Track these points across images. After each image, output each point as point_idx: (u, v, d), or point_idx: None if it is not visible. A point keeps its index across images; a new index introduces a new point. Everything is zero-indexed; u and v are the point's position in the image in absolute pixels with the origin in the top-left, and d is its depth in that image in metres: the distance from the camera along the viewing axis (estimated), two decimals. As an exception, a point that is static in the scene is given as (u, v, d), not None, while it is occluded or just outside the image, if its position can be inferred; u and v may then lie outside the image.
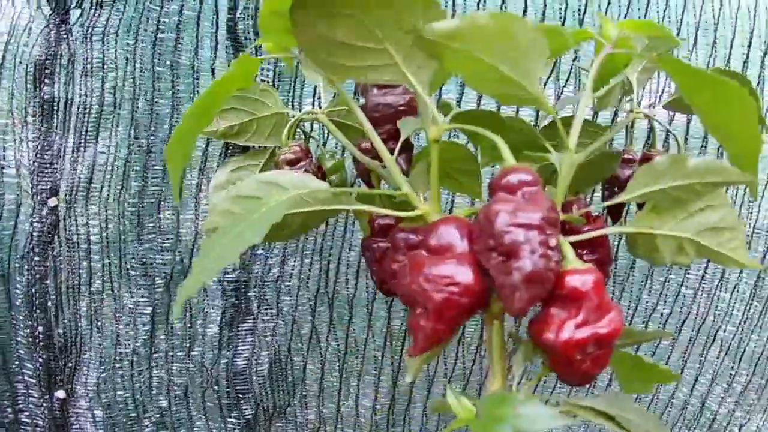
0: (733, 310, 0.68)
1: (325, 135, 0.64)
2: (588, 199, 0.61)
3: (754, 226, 0.65)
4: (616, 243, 0.66)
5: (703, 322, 0.69)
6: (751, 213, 0.65)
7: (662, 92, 0.59)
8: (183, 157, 0.41)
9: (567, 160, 0.37)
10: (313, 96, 0.64)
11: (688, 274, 0.67)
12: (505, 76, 0.34)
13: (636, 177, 0.36)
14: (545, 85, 0.62)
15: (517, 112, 0.62)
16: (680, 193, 0.36)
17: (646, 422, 0.37)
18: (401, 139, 0.44)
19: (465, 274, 0.34)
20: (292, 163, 0.51)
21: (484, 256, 0.33)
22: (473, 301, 0.34)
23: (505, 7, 0.62)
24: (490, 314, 0.37)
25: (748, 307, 0.67)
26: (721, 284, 0.68)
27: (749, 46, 0.62)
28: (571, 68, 0.60)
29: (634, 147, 0.53)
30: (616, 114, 0.59)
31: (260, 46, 0.62)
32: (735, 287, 0.68)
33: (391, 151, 0.41)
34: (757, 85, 0.62)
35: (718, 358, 0.70)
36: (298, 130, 0.58)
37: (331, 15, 0.33)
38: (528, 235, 0.32)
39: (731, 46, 0.62)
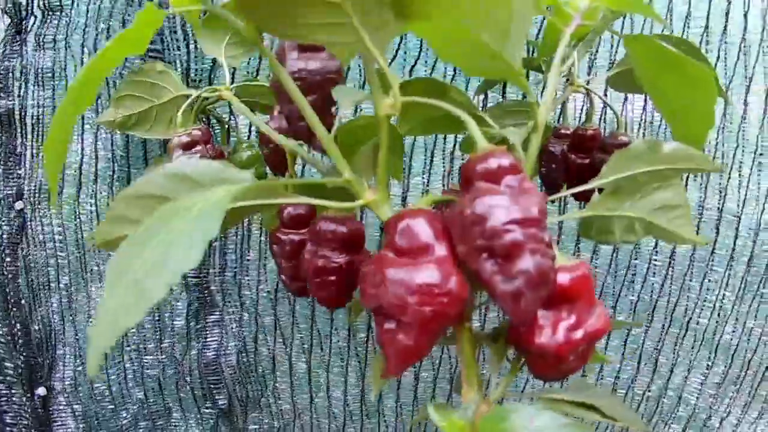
0: (704, 301, 0.68)
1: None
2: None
3: (721, 209, 0.65)
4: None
5: (673, 310, 0.68)
6: (721, 198, 0.65)
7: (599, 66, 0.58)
8: (63, 139, 0.30)
9: (535, 140, 0.33)
10: (210, 73, 0.60)
11: (655, 261, 0.67)
12: (483, 45, 0.29)
13: (610, 163, 0.34)
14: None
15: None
16: (647, 178, 0.34)
17: (617, 407, 0.35)
18: (337, 112, 0.37)
19: (452, 282, 0.28)
20: (186, 147, 0.42)
21: (471, 259, 0.28)
22: (460, 310, 0.29)
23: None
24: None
25: (721, 297, 0.68)
26: (690, 272, 0.67)
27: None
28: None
29: (568, 121, 0.50)
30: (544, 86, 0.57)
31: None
32: (705, 275, 0.67)
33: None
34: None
35: (693, 348, 0.70)
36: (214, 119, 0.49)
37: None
38: (528, 232, 0.27)
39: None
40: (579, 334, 0.30)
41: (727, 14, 0.59)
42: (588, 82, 0.50)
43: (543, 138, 0.48)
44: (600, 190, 0.36)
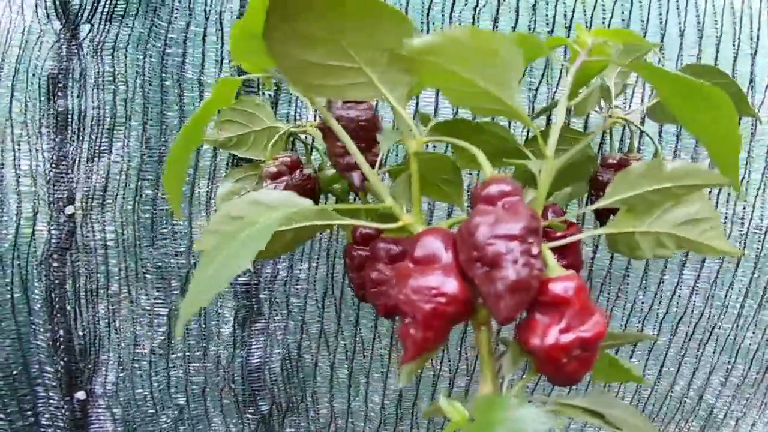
0: (728, 308, 0.68)
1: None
2: (577, 204, 0.61)
3: (749, 224, 0.64)
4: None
5: (699, 320, 0.69)
6: (746, 211, 0.64)
7: (641, 96, 0.59)
8: (178, 181, 0.41)
9: (546, 168, 0.37)
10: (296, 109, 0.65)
11: (684, 275, 0.67)
12: (482, 90, 0.34)
13: (613, 184, 0.36)
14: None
15: (493, 117, 0.62)
16: (657, 197, 0.36)
17: (631, 417, 0.37)
18: (381, 153, 0.44)
19: (451, 285, 0.34)
20: (274, 177, 0.51)
21: (468, 267, 0.33)
22: (459, 309, 0.34)
23: (478, 17, 0.61)
24: (477, 321, 0.37)
25: (743, 304, 0.67)
26: (717, 282, 0.67)
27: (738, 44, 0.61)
28: (543, 73, 0.60)
29: (615, 150, 0.52)
30: (588, 116, 0.59)
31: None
32: (731, 285, 0.67)
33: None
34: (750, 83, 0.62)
35: (714, 353, 0.70)
36: (300, 142, 0.58)
37: (305, 38, 0.33)
38: (509, 245, 0.32)
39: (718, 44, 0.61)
40: (569, 337, 0.33)
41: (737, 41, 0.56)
42: (642, 115, 0.52)
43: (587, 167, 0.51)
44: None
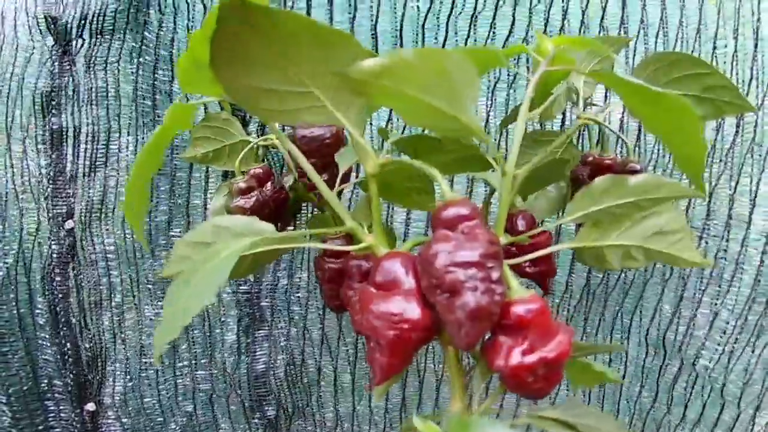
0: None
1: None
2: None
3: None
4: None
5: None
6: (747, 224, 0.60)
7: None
8: (141, 206, 0.40)
9: (507, 183, 0.36)
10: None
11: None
12: (436, 109, 0.33)
13: (575, 200, 0.36)
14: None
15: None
16: (623, 210, 0.35)
17: (605, 424, 0.36)
18: (340, 173, 0.43)
19: (413, 311, 0.33)
20: (244, 193, 0.50)
21: (429, 293, 0.33)
22: (423, 335, 0.34)
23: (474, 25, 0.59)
24: (444, 340, 0.36)
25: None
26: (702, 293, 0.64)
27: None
28: (512, 77, 0.58)
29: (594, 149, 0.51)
30: (564, 116, 0.58)
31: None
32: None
33: (328, 185, 0.39)
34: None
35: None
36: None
37: (253, 65, 0.32)
38: (468, 273, 0.31)
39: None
40: (533, 358, 0.32)
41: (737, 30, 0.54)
42: (609, 113, 0.50)
43: (559, 169, 0.50)
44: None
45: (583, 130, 0.56)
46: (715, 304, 0.61)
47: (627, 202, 0.35)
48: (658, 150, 0.59)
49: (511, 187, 0.36)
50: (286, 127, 0.57)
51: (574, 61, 0.38)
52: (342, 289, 0.45)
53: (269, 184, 0.52)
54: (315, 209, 0.62)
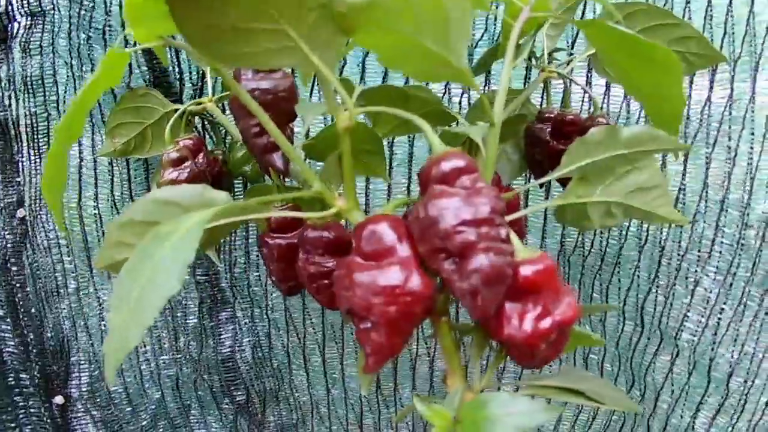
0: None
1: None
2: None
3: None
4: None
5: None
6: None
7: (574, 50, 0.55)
8: (59, 182, 0.32)
9: (493, 136, 0.33)
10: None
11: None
12: (428, 51, 0.29)
13: (570, 152, 0.33)
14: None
15: (407, 81, 0.56)
16: (613, 163, 0.33)
17: (606, 390, 0.35)
18: (303, 126, 0.38)
19: (414, 281, 0.29)
20: (175, 164, 0.43)
21: (431, 259, 0.29)
22: (426, 307, 0.29)
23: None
24: (435, 312, 0.33)
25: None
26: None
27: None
28: (485, 31, 0.55)
29: (551, 105, 0.49)
30: (529, 72, 0.55)
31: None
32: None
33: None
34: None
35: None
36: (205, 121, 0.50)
37: (217, -4, 0.25)
38: (479, 231, 0.27)
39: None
40: (547, 323, 0.29)
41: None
42: (572, 69, 0.49)
43: (519, 125, 0.48)
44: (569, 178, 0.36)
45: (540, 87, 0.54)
46: (696, 272, 0.60)
47: (618, 154, 0.33)
48: (627, 109, 0.57)
49: (497, 140, 0.33)
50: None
51: (551, 8, 0.35)
52: (297, 266, 0.40)
53: (201, 155, 0.45)
54: (248, 183, 0.55)
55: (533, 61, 0.46)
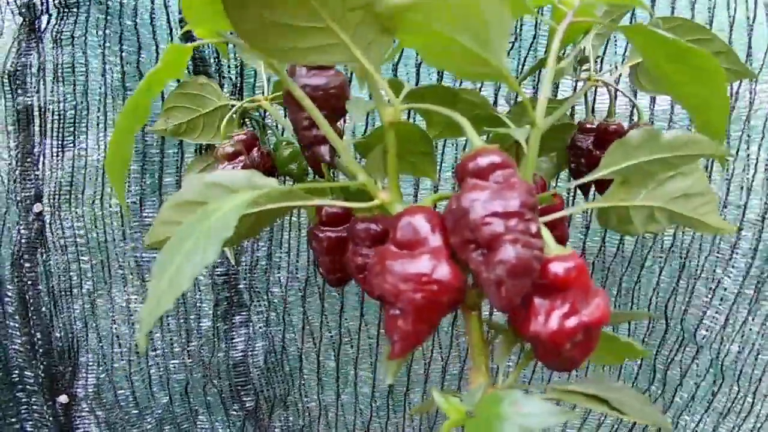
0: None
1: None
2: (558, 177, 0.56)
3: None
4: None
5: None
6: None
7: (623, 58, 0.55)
8: (123, 162, 0.35)
9: (534, 137, 0.33)
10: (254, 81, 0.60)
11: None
12: (468, 50, 0.30)
13: (609, 153, 0.33)
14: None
15: (460, 83, 0.57)
16: (654, 167, 0.33)
17: (633, 401, 0.34)
18: (350, 123, 0.39)
19: (443, 270, 0.29)
20: (230, 158, 0.46)
21: (461, 250, 0.29)
22: (454, 297, 0.30)
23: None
24: (466, 305, 0.33)
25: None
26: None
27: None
28: (535, 37, 0.56)
29: (594, 116, 0.49)
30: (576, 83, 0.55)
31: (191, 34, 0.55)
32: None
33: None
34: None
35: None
36: (253, 121, 0.53)
37: (269, -4, 0.27)
38: (508, 224, 0.28)
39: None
40: (573, 322, 0.29)
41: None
42: (617, 78, 0.48)
43: (565, 134, 0.48)
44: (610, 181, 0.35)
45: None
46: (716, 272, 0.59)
47: (659, 158, 0.33)
48: (652, 118, 0.58)
49: (538, 141, 0.34)
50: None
51: (596, 15, 0.36)
52: (347, 258, 0.41)
53: (255, 149, 0.48)
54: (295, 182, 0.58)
55: (577, 70, 0.46)
